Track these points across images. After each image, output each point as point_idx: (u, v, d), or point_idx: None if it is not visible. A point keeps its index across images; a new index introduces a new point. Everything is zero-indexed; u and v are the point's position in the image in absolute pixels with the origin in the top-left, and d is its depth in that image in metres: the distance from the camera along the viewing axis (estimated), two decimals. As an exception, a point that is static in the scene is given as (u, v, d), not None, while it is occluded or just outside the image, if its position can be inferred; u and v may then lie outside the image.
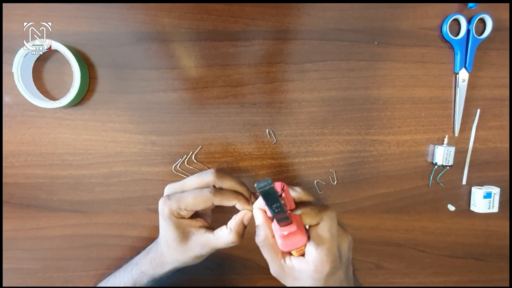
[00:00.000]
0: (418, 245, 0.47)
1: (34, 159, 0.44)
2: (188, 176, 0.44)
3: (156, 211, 0.45)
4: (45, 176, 0.44)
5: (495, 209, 0.45)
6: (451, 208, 0.47)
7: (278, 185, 0.29)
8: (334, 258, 0.30)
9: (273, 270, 0.32)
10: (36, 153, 0.44)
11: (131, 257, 0.42)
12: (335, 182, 0.46)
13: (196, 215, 0.36)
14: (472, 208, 0.46)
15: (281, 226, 0.28)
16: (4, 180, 0.45)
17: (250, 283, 0.47)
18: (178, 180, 0.36)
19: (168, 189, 0.36)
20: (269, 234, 0.30)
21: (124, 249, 0.46)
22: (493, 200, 0.45)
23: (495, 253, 0.48)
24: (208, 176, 0.34)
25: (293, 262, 0.31)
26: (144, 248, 0.41)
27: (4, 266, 0.46)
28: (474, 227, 0.47)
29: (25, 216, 0.45)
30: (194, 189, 0.34)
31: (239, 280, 0.47)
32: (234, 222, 0.34)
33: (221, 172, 0.35)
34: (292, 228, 0.28)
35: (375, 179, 0.46)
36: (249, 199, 0.35)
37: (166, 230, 0.35)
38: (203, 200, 0.33)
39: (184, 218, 0.34)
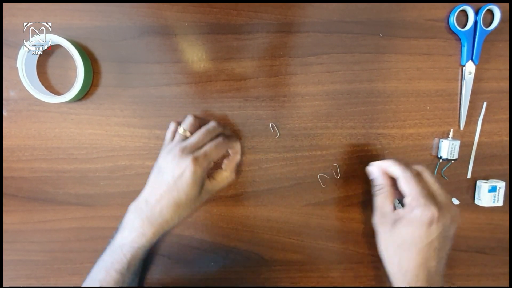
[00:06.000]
0: (421, 239, 0.47)
1: (40, 153, 0.45)
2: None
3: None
4: (51, 170, 0.45)
5: (500, 203, 0.45)
6: (456, 201, 0.46)
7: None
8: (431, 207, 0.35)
9: (377, 217, 0.39)
10: (41, 147, 0.44)
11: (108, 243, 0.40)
12: (339, 176, 0.46)
13: None
14: (477, 202, 0.46)
15: None
16: (11, 174, 0.45)
17: (253, 275, 0.48)
18: None
19: (181, 145, 0.37)
20: (387, 183, 0.39)
21: (130, 242, 0.47)
22: (498, 194, 0.45)
23: (499, 247, 0.48)
24: (216, 129, 0.40)
25: (399, 210, 0.38)
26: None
27: (13, 257, 0.47)
28: (478, 220, 0.47)
29: (33, 209, 0.46)
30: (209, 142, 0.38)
31: (242, 272, 0.48)
32: (227, 162, 0.41)
33: (219, 123, 0.41)
34: None
35: (379, 172, 0.46)
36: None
37: (192, 189, 0.36)
38: (222, 149, 0.39)
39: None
